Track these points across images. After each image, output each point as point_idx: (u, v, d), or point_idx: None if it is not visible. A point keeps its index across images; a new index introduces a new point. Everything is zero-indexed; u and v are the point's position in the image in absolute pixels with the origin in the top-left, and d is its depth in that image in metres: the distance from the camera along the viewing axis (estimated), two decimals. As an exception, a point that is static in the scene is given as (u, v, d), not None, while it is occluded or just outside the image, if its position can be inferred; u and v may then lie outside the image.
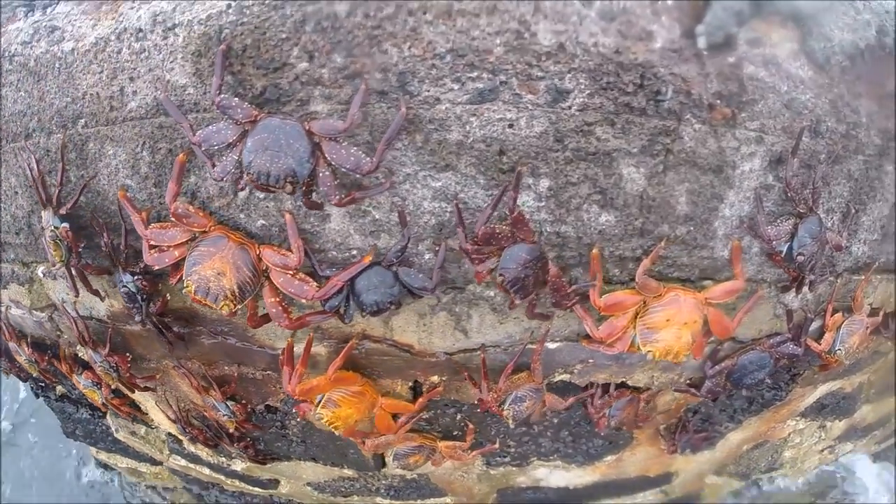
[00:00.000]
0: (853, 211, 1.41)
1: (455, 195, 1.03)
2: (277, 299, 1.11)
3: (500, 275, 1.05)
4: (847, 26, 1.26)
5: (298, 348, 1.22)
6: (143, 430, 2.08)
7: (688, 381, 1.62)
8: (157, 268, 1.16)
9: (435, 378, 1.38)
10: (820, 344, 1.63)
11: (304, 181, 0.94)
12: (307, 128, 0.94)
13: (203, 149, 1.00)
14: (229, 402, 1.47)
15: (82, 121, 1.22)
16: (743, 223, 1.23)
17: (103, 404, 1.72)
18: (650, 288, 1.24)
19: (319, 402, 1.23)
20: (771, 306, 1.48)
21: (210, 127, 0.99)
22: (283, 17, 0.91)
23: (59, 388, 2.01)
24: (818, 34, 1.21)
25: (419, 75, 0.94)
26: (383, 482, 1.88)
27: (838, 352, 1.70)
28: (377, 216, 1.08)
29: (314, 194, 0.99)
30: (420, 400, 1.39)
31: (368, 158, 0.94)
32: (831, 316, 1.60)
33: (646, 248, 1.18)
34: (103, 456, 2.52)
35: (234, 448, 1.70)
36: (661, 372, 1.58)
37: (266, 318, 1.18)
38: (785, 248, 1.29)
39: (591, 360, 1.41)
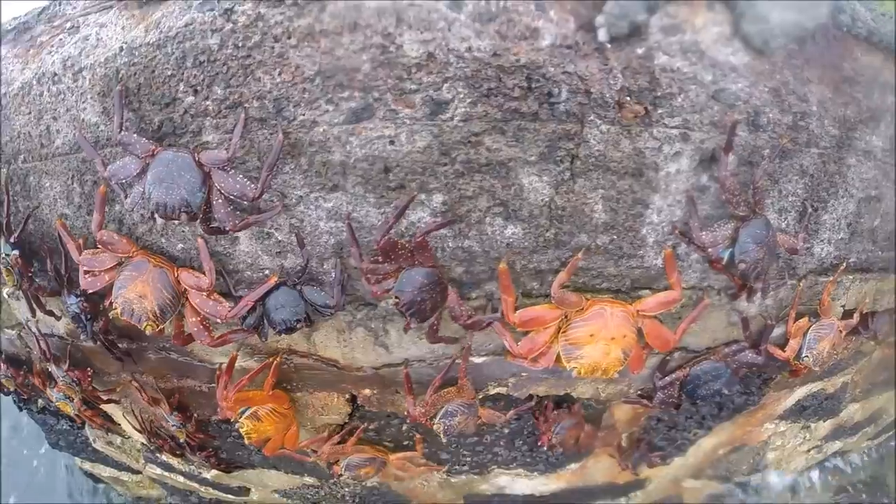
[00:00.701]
0: (810, 209, 1.26)
1: (347, 215, 1.00)
2: (198, 318, 1.14)
3: (396, 297, 1.02)
4: (791, 5, 1.12)
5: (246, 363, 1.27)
6: (118, 440, 2.14)
7: (639, 392, 1.53)
8: (90, 291, 1.21)
9: (367, 391, 1.36)
10: (784, 351, 1.51)
11: (198, 210, 0.96)
12: (198, 158, 0.96)
13: (113, 182, 1.05)
14: (177, 414, 1.52)
15: (21, 156, 1.30)
16: (675, 229, 1.12)
17: (77, 416, 1.79)
18: (569, 302, 1.14)
19: (244, 412, 1.27)
20: (724, 314, 1.37)
21: (118, 161, 1.04)
22: (167, 55, 0.93)
23: (40, 402, 2.11)
24: (752, 16, 1.09)
25: (293, 100, 0.91)
26: (347, 489, 1.88)
27: (805, 358, 1.58)
28: (279, 237, 1.07)
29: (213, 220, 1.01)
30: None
31: (253, 185, 0.94)
32: (795, 321, 1.49)
33: (564, 260, 1.10)
34: (88, 466, 2.60)
35: (196, 457, 1.73)
36: (607, 384, 1.49)
37: (191, 337, 1.21)
38: (727, 255, 1.15)
39: (523, 374, 1.35)
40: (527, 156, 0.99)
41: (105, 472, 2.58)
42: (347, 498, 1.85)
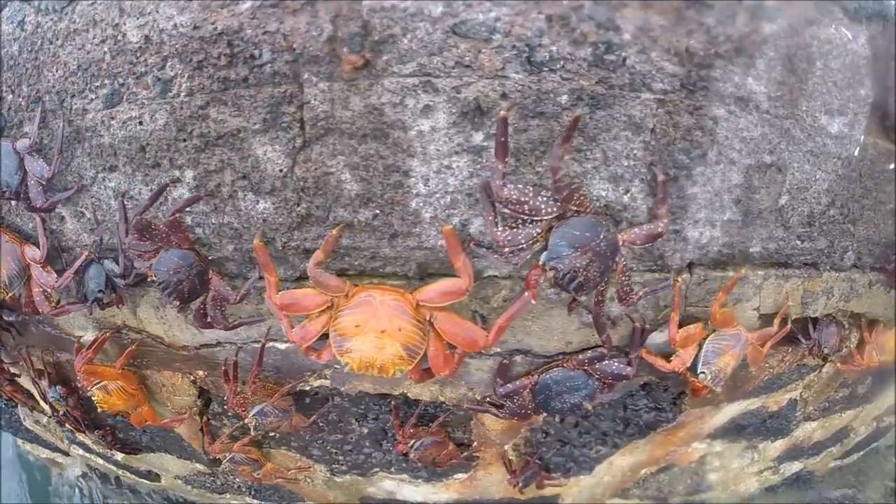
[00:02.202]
0: (662, 176, 0.95)
1: (122, 193, 1.05)
2: (40, 289, 1.27)
3: (154, 277, 1.04)
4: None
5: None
6: (44, 419, 2.11)
7: (487, 399, 1.28)
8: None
9: (200, 372, 1.36)
10: (669, 361, 1.24)
11: (16, 190, 1.12)
12: (14, 146, 1.12)
13: None
14: (60, 387, 1.60)
15: None
16: (455, 203, 0.92)
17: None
18: (329, 285, 0.97)
19: (98, 384, 1.39)
20: (575, 313, 1.10)
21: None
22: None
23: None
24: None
25: (69, 92, 1.02)
26: (240, 480, 1.88)
27: (702, 375, 1.27)
28: (89, 216, 1.16)
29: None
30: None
31: (49, 168, 1.07)
32: (683, 326, 1.21)
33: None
34: (28, 447, 2.57)
35: (91, 435, 1.77)
36: (442, 387, 1.28)
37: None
38: (543, 258, 0.90)
39: (336, 366, 1.16)
40: (251, 124, 0.94)
41: (43, 453, 2.55)
42: (243, 489, 1.89)
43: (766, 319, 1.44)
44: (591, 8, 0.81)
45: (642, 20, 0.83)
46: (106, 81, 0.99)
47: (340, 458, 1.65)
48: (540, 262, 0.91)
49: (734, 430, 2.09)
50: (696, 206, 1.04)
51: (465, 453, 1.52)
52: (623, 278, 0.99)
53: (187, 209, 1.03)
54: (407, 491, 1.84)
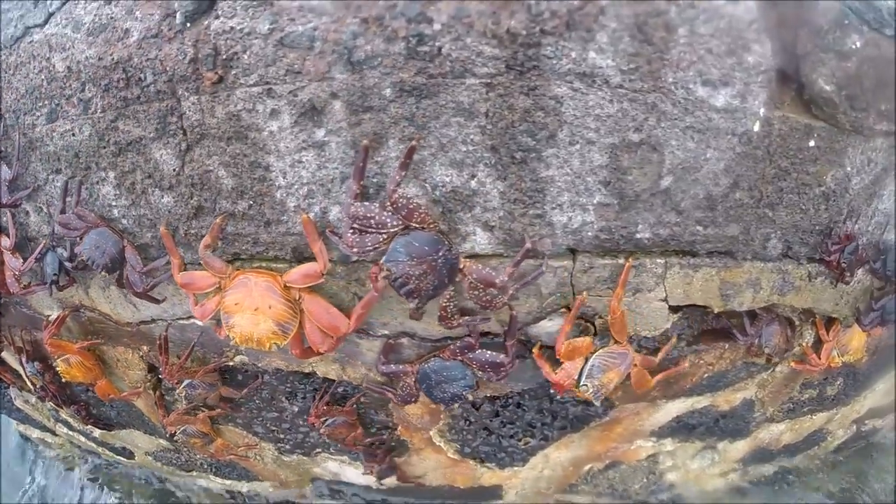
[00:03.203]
0: (528, 244, 1.04)
1: (66, 190, 1.34)
2: (10, 272, 1.58)
3: (83, 256, 1.33)
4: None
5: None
6: (32, 398, 2.30)
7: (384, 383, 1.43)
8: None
9: (145, 348, 1.66)
10: (556, 372, 1.29)
11: None
12: None
13: None
14: (38, 363, 1.85)
15: None
16: (312, 193, 1.08)
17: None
18: (215, 268, 1.22)
19: (62, 356, 1.71)
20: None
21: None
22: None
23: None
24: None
25: (22, 110, 1.34)
26: (201, 457, 2.18)
27: (583, 387, 1.31)
28: (45, 210, 1.47)
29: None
30: None
31: (10, 171, 1.40)
32: (570, 337, 1.26)
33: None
34: (22, 428, 2.77)
35: (67, 409, 2.02)
36: (344, 367, 1.46)
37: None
38: (384, 258, 1.04)
39: None
40: (148, 133, 1.19)
41: (34, 433, 2.76)
42: (205, 466, 2.20)
43: (675, 310, 1.47)
44: (403, 6, 0.95)
45: (456, 9, 0.95)
46: (46, 102, 1.29)
47: (282, 436, 1.88)
48: (380, 262, 1.05)
49: (683, 430, 2.11)
50: (555, 189, 1.12)
51: (372, 440, 1.65)
52: (463, 297, 1.10)
53: (112, 203, 1.27)
54: (350, 473, 2.03)
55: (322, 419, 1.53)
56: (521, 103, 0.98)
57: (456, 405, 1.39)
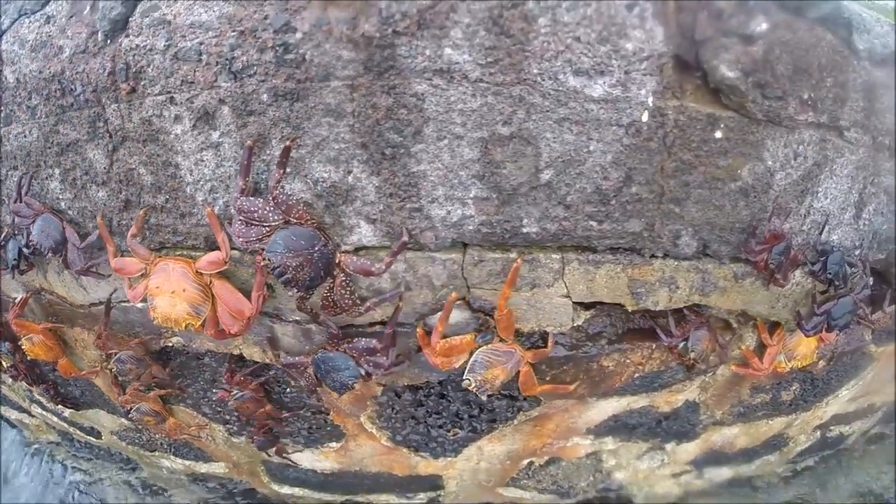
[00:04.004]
0: (405, 237, 1.13)
1: (20, 185, 1.59)
2: None
3: (31, 241, 1.56)
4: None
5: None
6: (8, 379, 2.40)
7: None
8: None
9: (97, 328, 1.88)
10: (436, 354, 1.35)
11: None
12: None
13: None
14: (8, 343, 2.05)
15: None
16: (214, 188, 1.26)
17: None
18: (140, 255, 1.46)
19: (26, 336, 1.96)
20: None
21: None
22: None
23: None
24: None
25: None
26: (160, 437, 2.43)
27: (466, 381, 1.40)
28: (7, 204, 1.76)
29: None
30: None
31: None
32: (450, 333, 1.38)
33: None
34: (2, 409, 2.91)
35: (37, 388, 2.24)
36: (264, 349, 1.64)
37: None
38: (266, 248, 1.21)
39: None
40: (82, 136, 1.41)
41: (13, 414, 2.91)
42: (165, 447, 2.47)
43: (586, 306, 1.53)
44: (272, 17, 1.14)
45: (317, 18, 1.12)
46: (2, 108, 1.51)
47: (227, 417, 2.09)
48: (263, 252, 1.26)
49: (623, 429, 2.19)
50: (428, 183, 1.27)
51: (287, 415, 1.81)
52: (341, 291, 1.29)
53: (59, 196, 1.49)
54: (295, 456, 2.19)
55: (231, 393, 1.71)
56: (384, 102, 1.13)
57: (345, 394, 1.54)
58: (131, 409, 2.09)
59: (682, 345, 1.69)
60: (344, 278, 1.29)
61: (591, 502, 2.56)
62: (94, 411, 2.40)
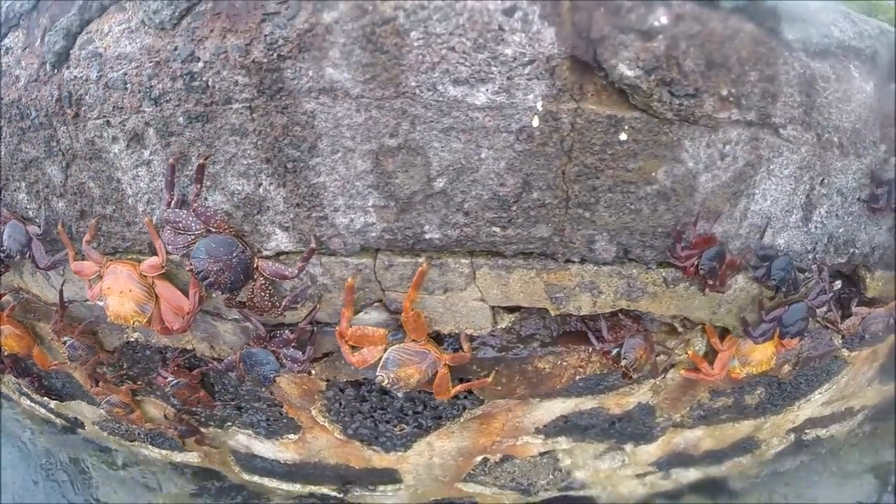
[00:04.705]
0: (313, 244, 1.30)
1: None
2: None
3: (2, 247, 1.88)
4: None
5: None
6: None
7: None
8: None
9: (54, 317, 2.16)
10: (354, 355, 1.46)
11: None
12: None
13: None
14: None
15: None
16: (151, 200, 1.45)
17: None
18: (94, 258, 1.72)
19: None
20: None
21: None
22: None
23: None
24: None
25: None
26: (137, 428, 2.70)
27: (379, 378, 1.50)
28: None
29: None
30: None
31: None
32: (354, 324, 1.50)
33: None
34: None
35: (23, 381, 2.53)
36: (210, 344, 1.86)
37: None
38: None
39: None
40: (41, 154, 1.65)
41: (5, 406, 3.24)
42: (142, 436, 2.78)
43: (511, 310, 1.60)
44: (181, 48, 1.35)
45: (216, 47, 1.31)
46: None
47: (193, 408, 2.28)
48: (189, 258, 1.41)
49: (574, 429, 2.29)
50: (329, 194, 1.44)
51: (220, 403, 2.00)
52: (261, 293, 1.47)
53: (27, 206, 1.73)
54: (258, 446, 2.45)
55: (167, 380, 1.92)
56: (280, 121, 1.30)
57: (268, 387, 1.71)
58: (101, 400, 2.35)
59: (615, 351, 1.73)
60: (263, 282, 1.47)
61: (555, 500, 2.68)
62: (77, 402, 2.74)
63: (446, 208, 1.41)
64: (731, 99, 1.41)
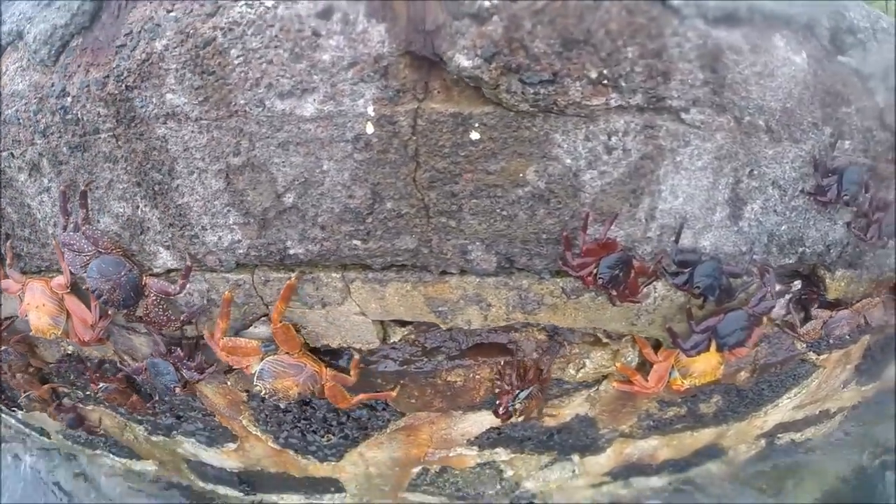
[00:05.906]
0: (188, 262, 1.44)
1: None
2: None
3: None
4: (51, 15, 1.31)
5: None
6: None
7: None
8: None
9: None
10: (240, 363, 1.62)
11: None
12: None
13: None
14: None
15: None
16: (58, 223, 1.67)
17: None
18: (15, 278, 2.00)
19: None
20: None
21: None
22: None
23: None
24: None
25: None
26: (101, 439, 3.01)
27: (256, 387, 1.60)
28: None
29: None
30: None
31: None
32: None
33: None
34: None
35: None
36: (131, 356, 2.13)
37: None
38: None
39: None
40: None
41: None
42: (103, 446, 3.14)
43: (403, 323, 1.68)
44: (56, 84, 1.57)
45: (81, 82, 1.52)
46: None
47: (140, 418, 2.51)
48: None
49: (510, 441, 2.36)
50: (194, 213, 1.61)
51: (149, 405, 2.20)
52: (155, 309, 1.65)
53: None
54: (204, 454, 2.65)
55: (99, 385, 2.13)
56: (140, 146, 1.48)
57: (167, 398, 1.87)
58: (21, 395, 2.61)
59: (518, 393, 1.78)
60: (154, 298, 1.63)
61: (509, 510, 2.74)
62: (40, 413, 3.02)
63: (302, 223, 1.49)
64: (604, 82, 1.27)
